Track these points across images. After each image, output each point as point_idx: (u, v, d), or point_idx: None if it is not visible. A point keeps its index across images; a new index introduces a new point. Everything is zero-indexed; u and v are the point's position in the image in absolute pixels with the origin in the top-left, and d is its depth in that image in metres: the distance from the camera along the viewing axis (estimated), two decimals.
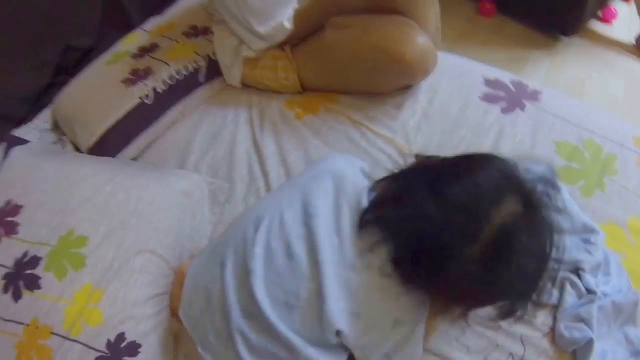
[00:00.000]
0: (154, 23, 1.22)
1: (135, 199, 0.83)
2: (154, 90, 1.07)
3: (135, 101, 1.05)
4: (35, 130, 1.09)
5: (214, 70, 1.13)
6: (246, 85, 1.13)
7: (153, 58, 1.11)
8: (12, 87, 1.08)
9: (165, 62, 1.10)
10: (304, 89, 1.10)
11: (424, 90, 1.07)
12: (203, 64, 1.12)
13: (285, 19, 1.03)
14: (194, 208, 0.90)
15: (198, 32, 1.16)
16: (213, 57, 1.13)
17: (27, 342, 0.72)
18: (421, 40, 0.96)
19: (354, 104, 1.07)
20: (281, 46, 1.07)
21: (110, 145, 1.04)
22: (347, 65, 1.03)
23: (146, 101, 1.06)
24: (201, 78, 1.12)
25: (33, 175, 0.88)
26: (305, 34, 1.05)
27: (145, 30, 1.20)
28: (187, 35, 1.16)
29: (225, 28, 1.08)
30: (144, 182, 0.88)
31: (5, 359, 0.72)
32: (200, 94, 1.12)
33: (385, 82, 1.04)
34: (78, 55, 1.19)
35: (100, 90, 1.09)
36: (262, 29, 1.01)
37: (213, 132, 1.07)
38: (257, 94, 1.12)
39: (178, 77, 1.09)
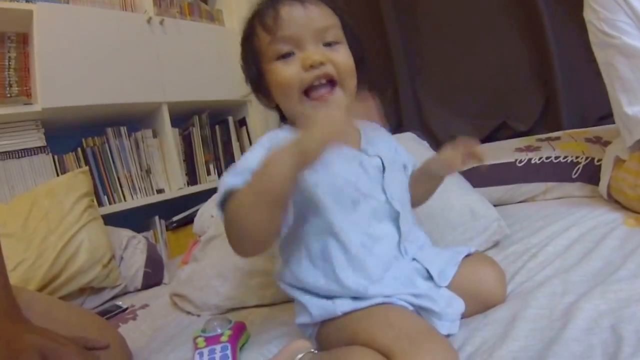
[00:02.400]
0: (576, 129, 1.43)
1: None
2: (529, 160, 1.31)
3: (510, 159, 1.34)
4: None
5: (590, 174, 1.21)
6: (613, 199, 1.07)
7: (549, 144, 1.35)
8: (451, 129, 1.64)
9: (553, 148, 1.32)
10: None
11: None
12: (582, 161, 1.25)
13: None
14: None
15: (599, 141, 1.29)
16: (596, 163, 1.21)
17: None
18: None
19: None
20: None
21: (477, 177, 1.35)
22: None
23: (518, 164, 1.32)
24: (574, 174, 1.25)
25: None
26: None
27: (564, 130, 1.44)
28: (589, 140, 1.31)
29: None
30: None
31: None
32: (565, 187, 1.25)
33: None
34: (509, 132, 1.59)
35: (499, 148, 1.46)
36: (630, 110, 0.93)
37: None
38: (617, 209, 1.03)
39: (554, 160, 1.28)
